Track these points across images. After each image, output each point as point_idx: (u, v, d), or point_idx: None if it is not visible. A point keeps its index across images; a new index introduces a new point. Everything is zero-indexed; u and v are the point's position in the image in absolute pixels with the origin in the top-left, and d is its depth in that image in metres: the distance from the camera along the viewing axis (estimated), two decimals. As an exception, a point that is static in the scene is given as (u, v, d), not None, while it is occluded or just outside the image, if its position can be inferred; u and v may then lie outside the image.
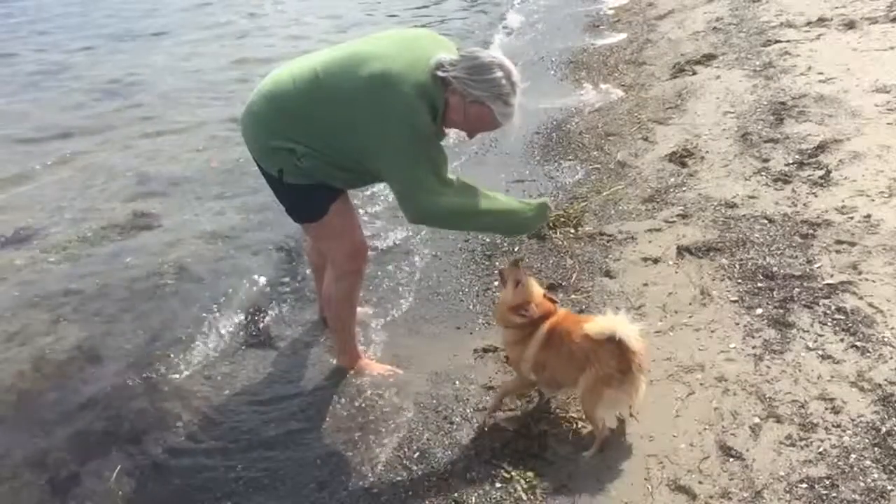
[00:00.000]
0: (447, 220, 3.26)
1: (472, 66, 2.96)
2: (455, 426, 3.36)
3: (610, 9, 12.60)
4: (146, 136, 7.60)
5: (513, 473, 3.01)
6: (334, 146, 3.05)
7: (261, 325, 4.37)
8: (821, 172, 5.05)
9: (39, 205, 6.04)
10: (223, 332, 4.31)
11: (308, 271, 4.66)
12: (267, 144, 3.16)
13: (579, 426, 3.22)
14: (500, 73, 2.96)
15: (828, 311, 3.65)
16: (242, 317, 4.44)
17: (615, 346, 2.89)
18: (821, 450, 2.88)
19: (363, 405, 3.60)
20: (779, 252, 4.25)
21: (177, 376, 3.94)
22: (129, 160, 6.94)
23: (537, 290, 3.19)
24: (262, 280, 4.82)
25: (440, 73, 2.97)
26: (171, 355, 4.09)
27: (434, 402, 3.55)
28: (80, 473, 3.33)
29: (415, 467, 3.16)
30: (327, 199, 3.28)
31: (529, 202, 3.36)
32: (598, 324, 2.96)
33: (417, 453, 3.23)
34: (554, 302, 3.23)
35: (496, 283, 4.52)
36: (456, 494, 2.98)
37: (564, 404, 3.36)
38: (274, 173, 3.20)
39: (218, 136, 7.53)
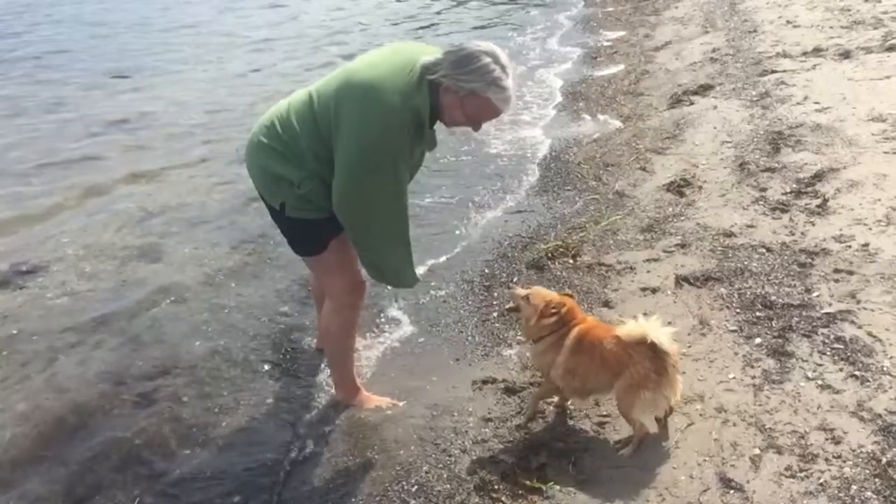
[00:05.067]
0: (364, 226, 3.17)
1: (456, 59, 2.94)
2: (454, 459, 3.34)
3: (608, 40, 12.72)
4: (149, 171, 7.63)
5: (511, 507, 2.99)
6: (327, 160, 3.07)
7: (260, 357, 4.36)
8: (818, 201, 5.07)
9: (40, 240, 6.07)
10: (223, 364, 4.31)
11: (311, 307, 4.67)
12: (268, 172, 3.20)
13: (580, 458, 3.20)
14: (487, 59, 2.93)
15: (827, 341, 3.64)
16: (242, 349, 4.44)
17: (649, 349, 2.97)
18: (821, 481, 2.86)
19: (361, 438, 3.59)
20: (777, 281, 4.25)
21: (178, 409, 3.94)
22: (131, 195, 6.98)
23: (547, 292, 3.34)
24: (262, 312, 4.83)
25: (429, 77, 2.97)
26: (172, 388, 4.10)
27: (432, 434, 3.53)
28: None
29: (413, 501, 3.12)
30: (327, 234, 3.30)
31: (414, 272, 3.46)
32: (628, 328, 3.05)
33: (416, 487, 3.20)
34: (570, 296, 3.37)
35: (495, 315, 4.54)
36: (454, 529, 2.96)
37: (564, 436, 3.34)
38: (276, 207, 3.24)
39: (221, 170, 7.59)
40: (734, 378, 3.51)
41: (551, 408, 3.57)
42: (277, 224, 3.42)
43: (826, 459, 2.95)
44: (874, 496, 2.75)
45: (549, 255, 5.11)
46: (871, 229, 4.59)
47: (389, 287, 3.66)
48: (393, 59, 3.07)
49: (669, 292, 4.39)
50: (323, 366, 4.17)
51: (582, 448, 3.26)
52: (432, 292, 4.96)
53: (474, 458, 3.32)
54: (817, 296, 4.03)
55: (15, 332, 4.72)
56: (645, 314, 3.13)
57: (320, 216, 3.22)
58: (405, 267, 3.35)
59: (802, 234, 4.72)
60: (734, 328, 3.91)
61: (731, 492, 2.88)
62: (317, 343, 4.34)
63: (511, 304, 3.46)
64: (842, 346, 3.57)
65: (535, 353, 3.38)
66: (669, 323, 3.23)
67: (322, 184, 3.13)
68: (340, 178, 3.03)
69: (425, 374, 4.09)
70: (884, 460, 2.89)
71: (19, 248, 5.93)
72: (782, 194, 5.32)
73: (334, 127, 3.01)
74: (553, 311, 3.21)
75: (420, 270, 5.17)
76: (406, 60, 3.03)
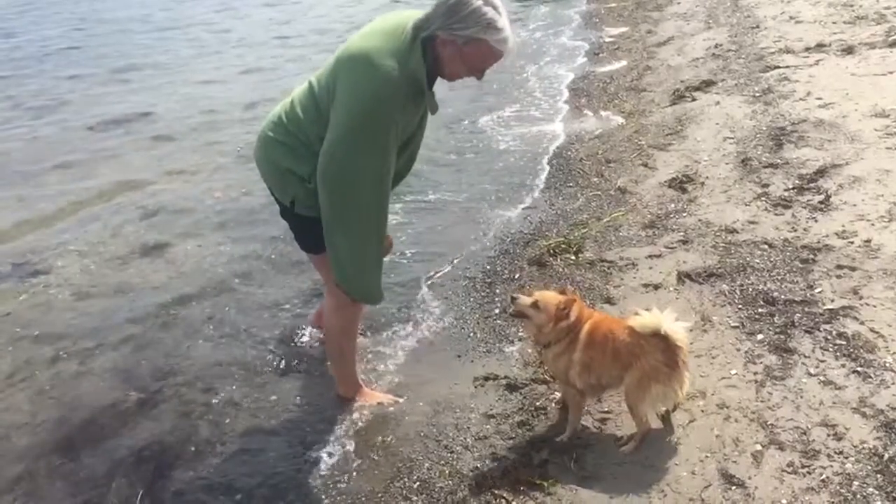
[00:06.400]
0: (343, 200, 3.02)
1: (447, 9, 2.87)
2: (455, 455, 3.35)
3: (610, 36, 12.69)
4: (151, 169, 7.66)
5: (513, 503, 2.99)
6: None
7: (264, 355, 4.36)
8: (820, 197, 5.06)
9: (44, 240, 6.09)
10: (226, 362, 4.31)
11: (314, 306, 4.67)
12: (277, 167, 3.20)
13: (581, 454, 3.20)
14: (478, 3, 2.86)
15: (829, 337, 3.64)
16: (244, 347, 4.44)
17: (661, 341, 2.96)
18: (823, 477, 2.86)
19: (363, 434, 3.60)
20: (779, 277, 4.25)
21: (182, 407, 3.96)
22: (137, 194, 7.00)
23: (552, 294, 3.24)
24: (265, 310, 4.83)
25: (423, 34, 2.91)
26: (175, 388, 4.11)
27: (434, 431, 3.54)
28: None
29: (415, 497, 3.14)
30: None
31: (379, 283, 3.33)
32: (643, 319, 3.03)
33: (417, 483, 3.22)
34: (563, 291, 3.28)
35: (497, 311, 4.54)
36: (456, 525, 2.96)
37: (563, 432, 3.34)
38: (287, 203, 3.25)
39: (223, 168, 7.61)
40: (736, 374, 3.52)
41: (553, 404, 3.57)
42: (286, 220, 3.42)
43: (828, 455, 2.95)
44: (876, 492, 2.75)
45: (551, 251, 5.11)
46: (873, 225, 4.58)
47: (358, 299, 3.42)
48: (384, 27, 3.02)
49: (671, 289, 4.38)
50: (326, 363, 4.17)
51: (584, 444, 3.26)
52: (434, 289, 4.95)
53: (476, 454, 3.33)
54: (819, 292, 4.02)
55: (19, 330, 4.74)
56: (655, 308, 3.11)
57: None
58: (371, 273, 3.23)
59: (805, 230, 4.72)
60: (736, 324, 3.90)
61: (733, 488, 2.88)
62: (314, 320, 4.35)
63: (514, 310, 3.30)
64: (844, 343, 3.57)
65: (551, 357, 3.27)
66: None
67: None
68: (329, 142, 2.96)
69: (427, 371, 4.10)
70: (886, 456, 2.89)
71: (23, 248, 5.95)
72: (785, 190, 5.31)
73: (332, 103, 2.97)
74: (566, 312, 3.15)
75: (421, 268, 5.20)
76: (397, 25, 2.99)
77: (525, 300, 3.24)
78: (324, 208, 3.08)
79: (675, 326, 2.99)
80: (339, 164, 2.97)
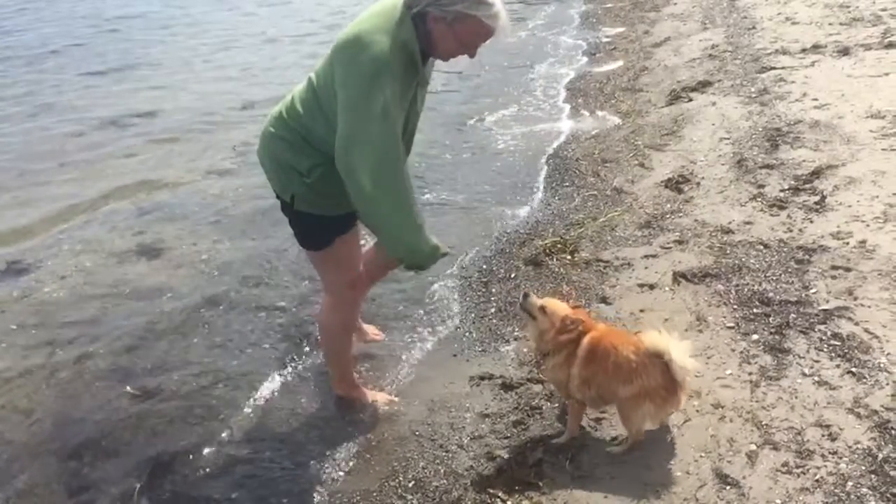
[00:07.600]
0: (370, 181, 2.86)
1: None
2: (450, 455, 3.35)
3: (607, 37, 12.70)
4: (151, 169, 7.65)
5: (508, 502, 2.99)
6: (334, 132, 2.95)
7: (260, 353, 4.36)
8: (816, 198, 5.07)
9: (41, 237, 6.08)
10: (222, 360, 4.31)
11: (311, 304, 4.66)
12: (278, 162, 3.19)
13: (576, 454, 3.20)
14: None
15: (824, 337, 3.64)
16: (241, 347, 4.44)
17: (665, 364, 2.94)
18: (817, 477, 2.86)
19: (359, 434, 3.60)
20: (775, 278, 4.25)
21: (178, 403, 3.96)
22: (132, 193, 6.98)
23: (562, 304, 3.21)
24: (262, 310, 4.82)
25: (414, 11, 2.88)
26: (171, 384, 4.11)
27: (429, 430, 3.55)
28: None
29: (410, 496, 3.14)
30: (335, 232, 3.27)
31: (429, 239, 3.12)
32: (653, 339, 2.99)
33: (413, 482, 3.22)
34: (558, 292, 3.23)
35: (492, 311, 4.55)
36: (451, 524, 2.96)
37: (561, 432, 3.34)
38: (287, 199, 3.24)
39: (223, 168, 7.59)
40: (731, 374, 3.52)
41: (548, 404, 3.57)
42: (287, 217, 3.41)
43: (822, 456, 2.96)
44: (870, 492, 2.76)
45: (547, 251, 5.11)
46: (868, 226, 4.59)
47: (410, 266, 3.21)
48: (377, 10, 2.98)
49: (667, 289, 4.39)
50: (322, 361, 4.17)
51: (579, 444, 3.26)
52: (430, 288, 4.95)
53: (471, 453, 3.34)
54: (815, 292, 4.03)
55: (14, 328, 4.73)
56: (674, 333, 3.07)
57: (329, 213, 3.20)
58: (409, 230, 3.02)
59: (800, 230, 4.73)
60: (731, 325, 3.91)
61: (728, 487, 2.88)
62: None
63: (523, 305, 3.25)
64: (839, 343, 3.58)
65: (550, 368, 3.25)
66: (665, 324, 3.20)
67: (331, 169, 2.99)
68: (339, 126, 2.88)
69: (422, 370, 4.10)
70: (880, 456, 2.90)
71: (21, 247, 5.94)
72: (780, 191, 5.32)
73: (332, 93, 2.93)
74: (571, 327, 3.13)
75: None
76: (388, 5, 2.95)
77: (535, 301, 3.21)
78: (352, 192, 2.92)
79: (684, 362, 2.94)
80: (351, 134, 2.86)
